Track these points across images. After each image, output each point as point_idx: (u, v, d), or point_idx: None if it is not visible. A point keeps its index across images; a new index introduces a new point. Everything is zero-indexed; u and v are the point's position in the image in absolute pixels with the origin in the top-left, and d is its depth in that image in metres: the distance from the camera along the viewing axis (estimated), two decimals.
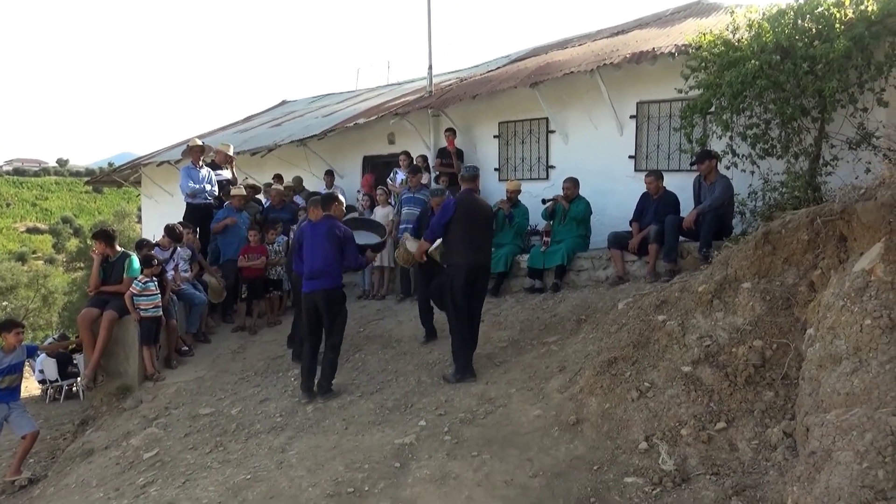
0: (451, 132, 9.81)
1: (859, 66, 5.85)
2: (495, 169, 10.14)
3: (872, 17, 5.81)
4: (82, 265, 42.23)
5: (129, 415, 6.40)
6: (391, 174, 10.05)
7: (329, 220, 5.99)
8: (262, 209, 9.61)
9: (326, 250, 5.84)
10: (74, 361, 12.77)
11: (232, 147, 10.15)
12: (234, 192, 8.88)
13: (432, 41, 11.02)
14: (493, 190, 9.70)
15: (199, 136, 10.43)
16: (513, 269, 8.03)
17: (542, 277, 7.73)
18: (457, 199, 5.94)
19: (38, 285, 39.23)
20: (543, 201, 8.14)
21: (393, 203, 9.35)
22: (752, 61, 6.02)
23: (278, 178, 10.67)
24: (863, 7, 5.87)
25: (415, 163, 9.60)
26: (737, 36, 6.54)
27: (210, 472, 4.74)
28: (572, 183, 7.93)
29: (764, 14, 6.48)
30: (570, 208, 7.83)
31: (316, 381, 5.90)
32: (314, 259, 5.86)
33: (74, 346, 11.79)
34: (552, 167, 9.54)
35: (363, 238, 6.68)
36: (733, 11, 6.91)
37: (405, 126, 10.63)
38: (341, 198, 6.42)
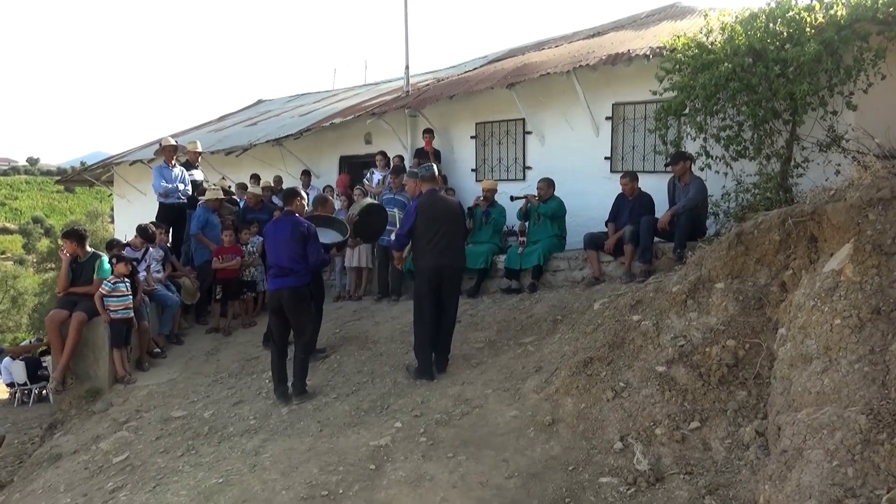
0: (428, 133, 9.80)
1: (829, 69, 5.94)
2: (472, 170, 10.15)
3: (842, 21, 5.91)
4: (53, 266, 41.42)
5: (99, 418, 6.27)
6: (367, 174, 10.00)
7: (291, 218, 5.87)
8: (237, 210, 9.51)
9: (290, 248, 5.74)
10: (44, 364, 12.52)
11: (199, 143, 10.03)
12: (209, 193, 8.74)
13: (409, 41, 11.02)
14: (470, 190, 9.71)
15: (173, 136, 10.28)
16: (490, 269, 8.03)
17: (519, 278, 7.74)
18: (417, 203, 5.84)
19: (7, 286, 38.37)
20: (512, 198, 8.16)
21: None
22: (725, 64, 6.09)
23: (255, 178, 10.57)
24: (832, 12, 5.98)
25: (393, 163, 9.56)
26: (710, 39, 6.61)
27: (181, 477, 4.66)
28: (546, 183, 7.94)
29: (737, 17, 6.55)
30: (540, 206, 7.84)
31: (290, 384, 5.84)
32: (279, 257, 5.78)
33: (44, 348, 11.55)
34: (529, 168, 9.56)
35: (328, 237, 6.61)
36: (707, 14, 6.99)
37: (382, 126, 10.59)
38: (303, 193, 6.37)
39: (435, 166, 6.33)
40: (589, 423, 4.29)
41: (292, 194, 6.10)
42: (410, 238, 5.85)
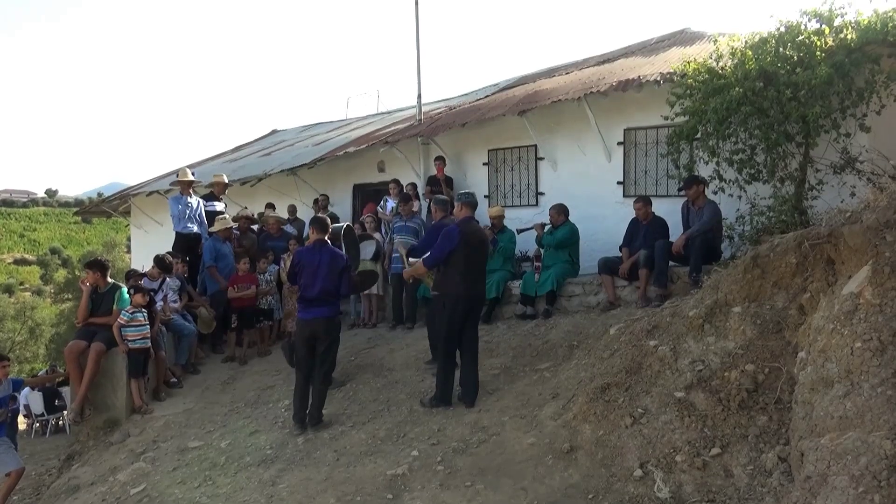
0: (440, 160, 9.87)
1: (841, 92, 5.96)
2: (485, 196, 10.17)
3: (852, 44, 5.94)
4: (70, 296, 41.79)
5: (117, 449, 6.28)
6: (381, 202, 10.08)
7: (329, 247, 5.97)
8: (256, 238, 9.60)
9: (329, 278, 5.81)
10: (62, 394, 12.59)
11: (226, 176, 10.18)
12: (217, 224, 8.79)
13: (421, 70, 11.15)
14: (483, 217, 9.73)
15: (189, 166, 10.42)
16: (504, 295, 8.02)
17: (534, 304, 7.72)
18: (460, 228, 5.70)
19: (25, 317, 38.73)
20: (518, 231, 8.19)
21: (382, 231, 9.36)
22: (737, 88, 6.12)
23: (270, 206, 10.67)
24: (842, 35, 6.01)
25: (405, 191, 9.63)
26: (720, 63, 6.65)
27: None
28: (557, 210, 7.93)
29: (746, 42, 6.60)
30: (545, 236, 7.83)
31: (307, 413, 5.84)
32: (315, 286, 5.79)
33: (62, 378, 11.63)
34: (542, 194, 9.60)
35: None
36: (716, 40, 7.04)
37: (395, 154, 10.69)
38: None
39: (472, 193, 6.26)
40: (608, 451, 4.25)
41: (327, 224, 6.16)
42: (446, 260, 5.70)
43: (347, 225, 6.70)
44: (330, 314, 5.87)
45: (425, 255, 5.97)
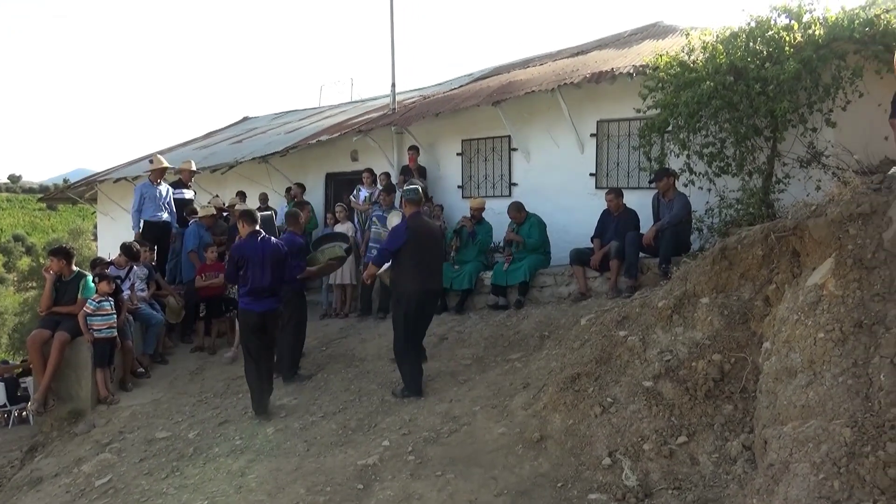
0: (413, 150, 9.83)
1: (808, 87, 6.07)
2: (458, 186, 10.19)
3: (820, 41, 6.04)
4: (34, 285, 40.82)
5: (81, 440, 6.16)
6: (354, 191, 10.01)
7: (267, 237, 5.99)
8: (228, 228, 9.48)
9: (276, 269, 5.89)
10: (23, 385, 12.29)
11: (193, 163, 10.02)
12: (202, 211, 8.69)
13: (395, 59, 11.06)
14: (457, 207, 9.73)
15: (159, 153, 10.22)
16: (476, 286, 8.04)
17: (506, 294, 7.76)
18: (407, 226, 5.80)
19: None
20: (503, 250, 8.21)
21: (354, 221, 9.31)
22: (707, 82, 6.19)
23: (241, 195, 10.53)
24: (811, 31, 6.11)
25: (379, 180, 9.58)
26: (692, 57, 6.72)
27: (165, 499, 4.59)
28: (516, 208, 8.00)
29: (718, 36, 6.67)
30: (527, 241, 7.86)
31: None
32: (266, 276, 5.82)
33: (21, 369, 11.36)
34: (515, 184, 9.61)
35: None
36: (689, 34, 7.11)
37: (368, 143, 10.61)
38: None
39: (420, 187, 6.32)
40: (577, 440, 4.29)
41: (256, 215, 6.21)
42: (393, 257, 5.85)
43: (272, 213, 6.72)
44: (278, 304, 6.06)
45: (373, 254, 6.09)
